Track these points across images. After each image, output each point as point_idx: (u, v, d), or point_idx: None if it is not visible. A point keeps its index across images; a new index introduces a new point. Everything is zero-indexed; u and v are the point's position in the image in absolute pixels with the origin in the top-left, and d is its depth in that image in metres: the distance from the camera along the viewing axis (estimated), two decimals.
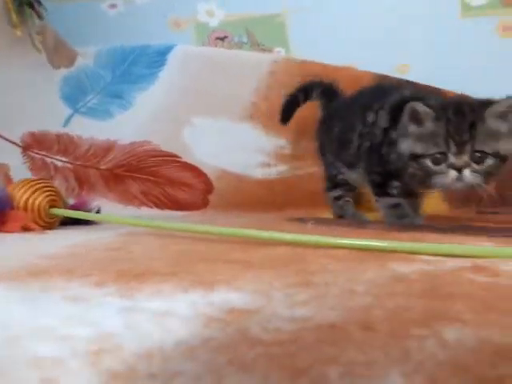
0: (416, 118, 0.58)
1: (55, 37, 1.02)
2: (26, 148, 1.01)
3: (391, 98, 0.67)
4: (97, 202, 0.85)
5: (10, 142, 1.00)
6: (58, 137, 1.01)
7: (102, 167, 1.03)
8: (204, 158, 1.06)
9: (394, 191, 0.66)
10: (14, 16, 0.94)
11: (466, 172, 0.55)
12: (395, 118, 0.63)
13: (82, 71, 1.06)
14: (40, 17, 0.99)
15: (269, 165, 1.09)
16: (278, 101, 1.09)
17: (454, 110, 0.57)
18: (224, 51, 1.19)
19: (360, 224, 0.67)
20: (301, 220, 0.73)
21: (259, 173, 1.08)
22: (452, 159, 0.56)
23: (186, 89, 1.08)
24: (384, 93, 0.71)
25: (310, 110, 1.10)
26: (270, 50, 1.25)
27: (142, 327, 0.19)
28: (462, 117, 0.56)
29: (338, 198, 0.83)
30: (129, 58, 1.09)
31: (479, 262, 0.31)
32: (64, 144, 1.01)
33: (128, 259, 0.35)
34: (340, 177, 0.83)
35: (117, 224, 0.60)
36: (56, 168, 0.99)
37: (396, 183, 0.66)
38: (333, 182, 0.85)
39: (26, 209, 0.58)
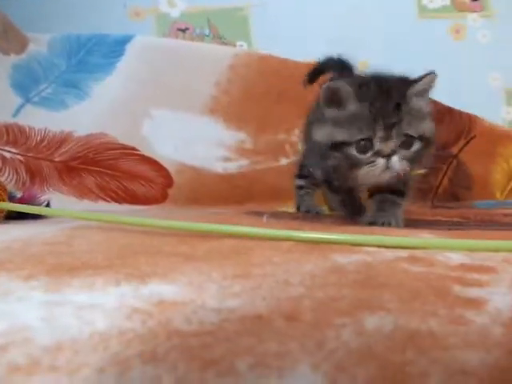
0: (335, 100, 0.50)
1: (4, 20, 0.97)
2: None
3: None
4: (47, 195, 0.82)
5: None
6: (7, 127, 0.96)
7: (56, 159, 0.99)
8: (163, 151, 1.04)
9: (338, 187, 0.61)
10: None
11: (395, 159, 0.48)
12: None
13: (34, 59, 1.02)
14: None
15: (229, 159, 1.08)
16: (239, 95, 1.09)
17: (377, 89, 0.50)
18: (185, 43, 1.18)
19: (314, 217, 0.68)
20: (258, 214, 0.73)
21: (220, 167, 1.07)
22: (378, 145, 0.48)
23: (145, 80, 1.06)
24: None
25: (271, 105, 1.10)
26: (231, 44, 1.24)
27: (60, 320, 0.18)
28: (386, 97, 0.49)
29: (300, 188, 0.84)
30: (85, 47, 1.06)
31: (417, 252, 0.32)
32: (14, 135, 0.96)
33: (66, 253, 0.34)
34: (309, 168, 0.78)
35: (66, 218, 0.58)
36: (4, 159, 0.94)
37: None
38: (300, 171, 0.83)
39: None
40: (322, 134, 0.52)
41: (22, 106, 0.99)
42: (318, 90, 0.57)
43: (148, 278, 0.25)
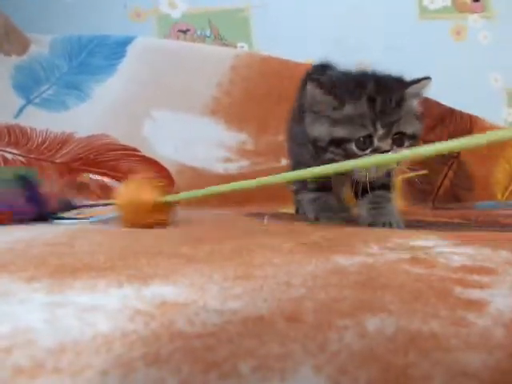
0: (334, 94, 0.50)
1: (5, 22, 0.97)
2: None
3: None
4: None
5: None
6: (9, 128, 0.96)
7: (58, 161, 0.99)
8: (164, 152, 1.05)
9: (312, 185, 0.63)
10: None
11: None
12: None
13: (35, 60, 1.02)
14: None
15: (230, 160, 1.08)
16: (240, 96, 1.09)
17: (376, 87, 0.51)
18: (186, 44, 1.18)
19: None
20: (259, 215, 0.73)
21: (220, 168, 1.07)
22: (377, 143, 0.49)
23: (146, 81, 1.06)
24: None
25: (272, 106, 1.10)
26: (232, 45, 1.24)
27: (62, 322, 0.18)
28: (387, 95, 0.50)
29: (296, 192, 0.84)
30: (86, 48, 1.06)
31: (418, 254, 0.32)
32: (15, 136, 0.97)
33: (68, 254, 0.34)
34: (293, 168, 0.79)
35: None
36: (6, 161, 0.95)
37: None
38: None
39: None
40: (321, 130, 0.51)
41: (23, 107, 0.99)
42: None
43: (150, 279, 0.26)
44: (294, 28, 1.26)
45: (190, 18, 1.24)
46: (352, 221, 0.60)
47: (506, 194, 1.31)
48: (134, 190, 0.52)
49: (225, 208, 0.96)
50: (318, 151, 0.53)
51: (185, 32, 1.24)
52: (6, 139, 0.96)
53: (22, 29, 1.01)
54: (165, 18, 1.24)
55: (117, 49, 1.07)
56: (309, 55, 1.15)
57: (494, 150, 1.28)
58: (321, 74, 0.57)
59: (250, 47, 1.25)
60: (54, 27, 1.11)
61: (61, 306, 0.21)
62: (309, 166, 0.44)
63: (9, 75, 0.99)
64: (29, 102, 1.00)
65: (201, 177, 1.05)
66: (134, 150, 1.03)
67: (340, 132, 0.50)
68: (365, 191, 0.54)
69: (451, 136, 1.26)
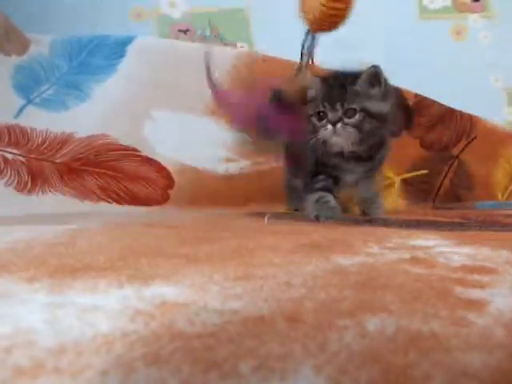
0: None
1: (5, 22, 0.97)
2: None
3: None
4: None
5: None
6: (9, 128, 0.96)
7: (58, 161, 0.99)
8: (165, 152, 1.04)
9: (319, 185, 0.73)
10: None
11: (338, 125, 0.67)
12: None
13: (35, 60, 1.02)
14: None
15: (231, 160, 1.08)
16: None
17: (333, 79, 0.71)
18: (186, 44, 1.18)
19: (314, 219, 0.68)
20: (260, 215, 0.73)
21: (221, 168, 1.07)
22: (329, 116, 0.68)
23: (146, 82, 1.06)
24: None
25: None
26: (232, 45, 1.24)
27: (63, 322, 0.18)
28: (337, 84, 0.69)
29: (304, 191, 0.85)
30: (86, 49, 1.06)
31: (418, 254, 0.32)
32: (15, 136, 0.97)
33: (68, 255, 0.34)
34: (291, 183, 0.90)
35: None
36: (6, 161, 0.95)
37: (321, 177, 0.74)
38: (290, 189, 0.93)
39: None
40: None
41: (23, 107, 0.99)
42: None
43: (150, 279, 0.26)
44: (293, 28, 1.26)
45: (190, 18, 1.24)
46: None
47: (506, 193, 1.31)
48: None
49: (225, 208, 0.96)
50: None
51: (185, 32, 1.24)
52: (6, 139, 0.96)
53: (22, 29, 1.01)
54: (165, 18, 1.24)
55: (117, 49, 1.06)
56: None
57: (494, 150, 1.28)
58: None
59: (250, 47, 1.25)
60: (54, 27, 1.11)
61: (61, 307, 0.21)
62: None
63: (9, 75, 0.99)
64: (29, 101, 1.00)
65: (201, 177, 1.04)
66: (134, 149, 1.03)
67: (309, 110, 0.71)
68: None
69: (451, 136, 1.26)
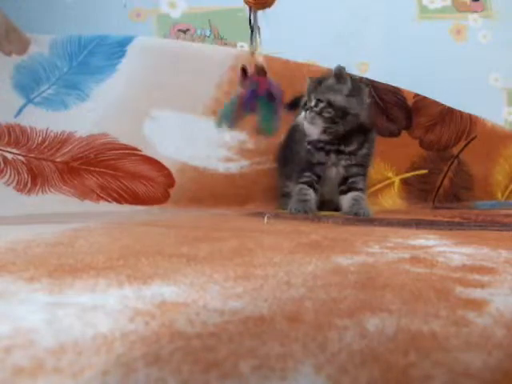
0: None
1: (5, 22, 0.97)
2: None
3: None
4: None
5: None
6: (9, 128, 0.96)
7: (58, 160, 0.99)
8: (165, 151, 1.05)
9: (305, 179, 0.84)
10: None
11: (307, 112, 0.83)
12: None
13: (35, 60, 1.02)
14: None
15: (231, 159, 1.08)
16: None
17: (317, 78, 0.86)
18: (186, 44, 1.18)
19: (314, 218, 0.68)
20: (260, 214, 0.73)
21: (221, 167, 1.07)
22: (308, 104, 0.84)
23: (146, 81, 1.06)
24: None
25: None
26: (232, 45, 1.24)
27: (63, 322, 0.18)
28: (317, 80, 0.85)
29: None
30: (86, 49, 1.06)
31: (418, 253, 0.32)
32: (15, 135, 0.97)
33: (68, 255, 0.34)
34: (284, 189, 0.96)
35: None
36: (6, 160, 0.95)
37: (307, 173, 0.85)
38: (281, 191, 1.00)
39: None
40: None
41: (23, 107, 0.99)
42: None
43: (150, 279, 0.26)
44: (294, 28, 1.26)
45: (190, 18, 1.24)
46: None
47: (506, 193, 1.31)
48: None
49: (225, 208, 0.96)
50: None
51: (185, 32, 1.24)
52: (6, 139, 0.96)
53: (22, 29, 1.01)
54: (165, 17, 1.24)
55: (116, 48, 1.06)
56: (309, 55, 1.15)
57: (494, 150, 1.28)
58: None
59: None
60: (54, 27, 1.11)
61: (61, 306, 0.21)
62: None
63: (9, 75, 0.99)
64: (29, 101, 1.00)
65: (202, 176, 1.04)
66: (135, 149, 1.03)
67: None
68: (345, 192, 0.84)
69: (451, 135, 1.26)
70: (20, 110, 0.99)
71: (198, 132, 1.07)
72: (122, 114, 1.04)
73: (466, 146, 1.25)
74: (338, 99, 0.81)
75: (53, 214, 0.81)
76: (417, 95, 1.19)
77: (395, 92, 1.18)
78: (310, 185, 0.84)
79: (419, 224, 0.60)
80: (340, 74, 0.82)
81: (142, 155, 1.03)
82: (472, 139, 1.25)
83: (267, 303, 0.21)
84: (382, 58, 1.25)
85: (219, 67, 1.09)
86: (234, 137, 1.09)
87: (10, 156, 0.95)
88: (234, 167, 1.08)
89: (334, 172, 0.85)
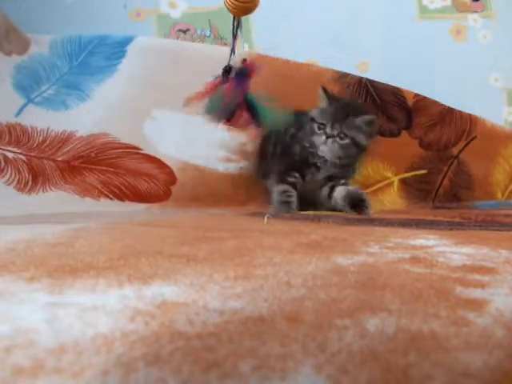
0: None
1: (5, 21, 0.97)
2: None
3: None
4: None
5: None
6: (9, 127, 0.96)
7: (59, 159, 0.99)
8: (165, 150, 1.04)
9: (292, 179, 0.87)
10: None
11: (330, 140, 0.84)
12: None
13: (36, 60, 1.02)
14: None
15: (231, 160, 1.08)
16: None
17: (342, 106, 0.87)
18: (186, 44, 1.18)
19: (314, 218, 0.68)
20: (259, 214, 0.73)
21: (221, 167, 1.07)
22: (327, 130, 0.84)
23: (147, 82, 1.06)
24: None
25: None
26: None
27: (63, 322, 0.18)
28: (343, 110, 0.85)
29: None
30: (86, 49, 1.06)
31: (418, 253, 0.32)
32: (16, 135, 0.97)
33: (68, 255, 0.34)
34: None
35: None
36: (7, 159, 0.95)
37: (295, 174, 0.87)
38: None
39: None
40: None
41: (24, 106, 0.99)
42: None
43: (150, 279, 0.26)
44: (294, 28, 1.26)
45: (190, 18, 1.24)
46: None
47: (506, 193, 1.31)
48: None
49: (225, 208, 0.96)
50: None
51: (185, 32, 1.24)
52: (7, 138, 0.96)
53: (22, 29, 1.01)
54: (165, 17, 1.24)
55: (117, 49, 1.06)
56: (309, 55, 1.15)
57: (494, 150, 1.28)
58: None
59: (251, 47, 1.25)
60: (54, 27, 1.11)
61: (61, 306, 0.21)
62: None
63: (9, 75, 0.99)
64: (29, 101, 1.00)
65: (203, 174, 1.05)
66: (136, 148, 1.03)
67: (314, 114, 0.88)
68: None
69: (451, 135, 1.26)
70: (21, 110, 0.99)
71: (199, 132, 1.07)
72: (122, 114, 1.04)
73: (465, 146, 1.25)
74: (362, 139, 0.86)
75: (53, 215, 0.81)
76: (417, 95, 1.19)
77: (395, 92, 1.18)
78: (295, 186, 0.87)
79: (419, 224, 0.60)
80: (373, 124, 0.86)
81: (143, 154, 1.03)
82: (472, 139, 1.25)
83: (267, 303, 0.21)
84: (382, 58, 1.25)
85: (219, 67, 1.09)
86: (235, 138, 1.09)
87: (10, 155, 0.95)
88: (233, 167, 1.08)
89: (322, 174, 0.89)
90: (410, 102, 1.19)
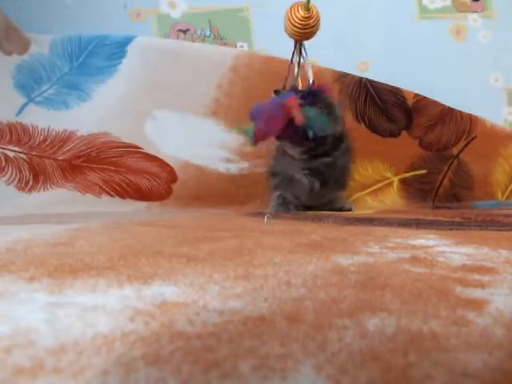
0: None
1: (5, 21, 0.97)
2: None
3: None
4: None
5: None
6: (10, 126, 0.96)
7: (60, 158, 0.99)
8: (167, 150, 1.05)
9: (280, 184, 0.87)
10: None
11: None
12: None
13: (36, 60, 1.02)
14: None
15: (231, 160, 1.08)
16: (240, 96, 1.09)
17: None
18: (186, 44, 1.18)
19: (314, 218, 0.68)
20: (260, 214, 0.73)
21: (222, 167, 1.07)
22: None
23: (147, 82, 1.06)
24: None
25: None
26: (232, 45, 1.24)
27: (63, 322, 0.18)
28: None
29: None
30: (86, 49, 1.06)
31: (418, 253, 0.32)
32: (17, 134, 0.97)
33: (68, 254, 0.34)
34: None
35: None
36: (7, 158, 0.95)
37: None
38: None
39: None
40: None
41: (25, 106, 0.99)
42: None
43: (150, 279, 0.26)
44: None
45: (190, 18, 1.24)
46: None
47: (507, 193, 1.31)
48: None
49: (225, 207, 0.96)
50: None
51: (185, 32, 1.24)
52: (8, 137, 0.96)
53: (22, 29, 1.01)
54: (165, 17, 1.24)
55: (117, 49, 1.06)
56: (309, 55, 1.15)
57: (494, 150, 1.28)
58: None
59: (251, 47, 1.25)
60: (54, 27, 1.11)
61: (61, 306, 0.21)
62: None
63: (10, 74, 0.99)
64: (30, 100, 1.00)
65: (204, 173, 1.05)
66: (136, 147, 1.03)
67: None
68: None
69: (451, 135, 1.26)
70: (21, 109, 0.99)
71: (199, 132, 1.07)
72: (123, 114, 1.04)
73: (465, 145, 1.25)
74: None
75: (53, 214, 0.81)
76: (417, 95, 1.19)
77: (395, 92, 1.18)
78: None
79: (419, 224, 0.60)
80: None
81: (144, 152, 1.03)
82: (472, 139, 1.25)
83: (267, 303, 0.21)
84: (382, 58, 1.25)
85: (219, 67, 1.09)
86: (234, 139, 1.09)
87: (11, 154, 0.95)
88: (233, 168, 1.08)
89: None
90: (410, 102, 1.19)
